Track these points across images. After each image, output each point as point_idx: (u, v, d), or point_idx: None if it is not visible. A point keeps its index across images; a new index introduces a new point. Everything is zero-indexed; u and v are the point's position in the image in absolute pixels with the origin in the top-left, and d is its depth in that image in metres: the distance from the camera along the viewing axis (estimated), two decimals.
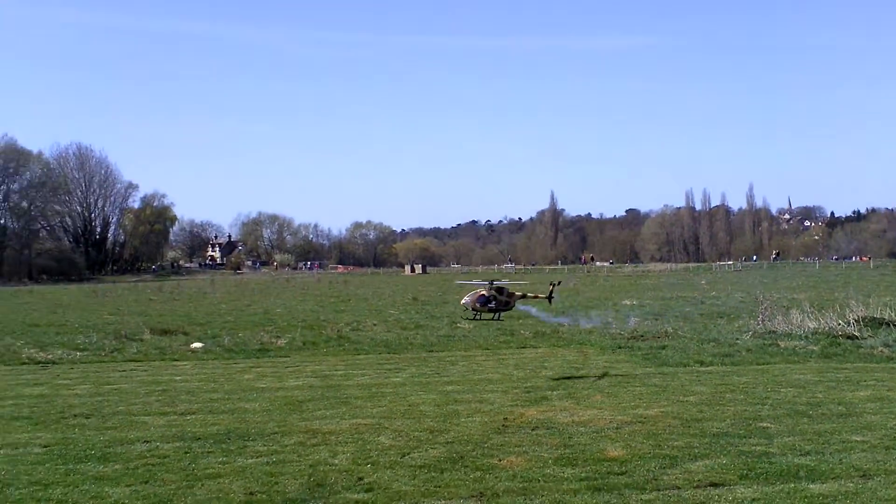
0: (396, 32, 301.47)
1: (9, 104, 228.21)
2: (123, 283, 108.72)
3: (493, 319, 19.49)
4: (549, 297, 19.44)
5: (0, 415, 15.46)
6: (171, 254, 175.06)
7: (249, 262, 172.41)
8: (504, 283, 19.48)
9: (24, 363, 23.58)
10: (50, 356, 24.54)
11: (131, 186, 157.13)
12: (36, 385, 19.33)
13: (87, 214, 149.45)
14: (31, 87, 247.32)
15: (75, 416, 15.24)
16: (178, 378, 19.95)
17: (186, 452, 12.13)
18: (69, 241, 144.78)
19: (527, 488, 10.04)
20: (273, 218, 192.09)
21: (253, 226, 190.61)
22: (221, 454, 12.00)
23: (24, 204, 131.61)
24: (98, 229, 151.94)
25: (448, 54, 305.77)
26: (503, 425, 13.69)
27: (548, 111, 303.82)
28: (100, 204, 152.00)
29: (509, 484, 10.22)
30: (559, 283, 21.06)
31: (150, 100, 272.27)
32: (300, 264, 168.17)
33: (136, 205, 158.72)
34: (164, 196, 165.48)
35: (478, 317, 19.13)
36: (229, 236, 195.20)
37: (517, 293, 19.22)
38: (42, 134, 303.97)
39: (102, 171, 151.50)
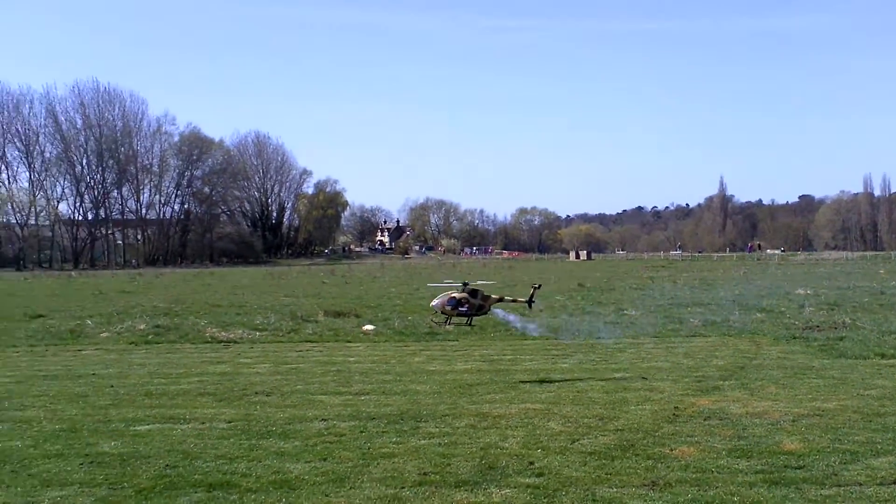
0: (562, 17, 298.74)
1: (193, 95, 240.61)
2: (298, 266, 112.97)
3: (466, 324, 18.37)
4: (530, 302, 18.24)
5: (187, 390, 16.42)
6: (342, 238, 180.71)
7: (416, 247, 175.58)
8: (479, 284, 18.44)
9: (208, 342, 24.93)
10: (231, 335, 25.85)
11: (305, 173, 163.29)
12: (219, 363, 20.42)
13: (264, 199, 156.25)
14: (213, 77, 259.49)
15: (256, 393, 16.02)
16: (352, 359, 20.62)
17: (362, 431, 12.54)
18: (247, 226, 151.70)
19: (700, 479, 9.87)
20: (440, 203, 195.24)
21: (420, 211, 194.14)
22: (395, 434, 12.34)
23: (206, 189, 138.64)
24: (274, 214, 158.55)
25: (612, 38, 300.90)
26: (674, 414, 13.47)
27: (717, 95, 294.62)
28: (276, 189, 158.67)
29: (682, 474, 10.07)
30: (540, 286, 19.19)
31: (325, 89, 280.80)
32: (466, 249, 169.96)
33: (310, 190, 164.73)
34: (336, 182, 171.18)
35: (448, 321, 17.98)
36: (398, 221, 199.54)
37: (494, 297, 18.06)
38: (223, 122, 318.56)
39: (279, 158, 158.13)
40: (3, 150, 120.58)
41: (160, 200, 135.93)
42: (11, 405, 15.12)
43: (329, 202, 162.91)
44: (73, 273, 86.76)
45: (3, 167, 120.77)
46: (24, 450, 11.69)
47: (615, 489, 9.55)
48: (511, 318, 20.25)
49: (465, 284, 17.97)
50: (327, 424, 13.07)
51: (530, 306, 18.37)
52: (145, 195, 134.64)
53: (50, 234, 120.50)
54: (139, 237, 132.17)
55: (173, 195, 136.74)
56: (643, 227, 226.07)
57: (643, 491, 9.48)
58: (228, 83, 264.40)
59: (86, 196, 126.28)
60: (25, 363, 21.14)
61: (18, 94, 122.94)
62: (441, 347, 22.84)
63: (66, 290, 53.31)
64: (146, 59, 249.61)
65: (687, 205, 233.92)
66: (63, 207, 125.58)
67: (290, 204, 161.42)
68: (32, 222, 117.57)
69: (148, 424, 13.30)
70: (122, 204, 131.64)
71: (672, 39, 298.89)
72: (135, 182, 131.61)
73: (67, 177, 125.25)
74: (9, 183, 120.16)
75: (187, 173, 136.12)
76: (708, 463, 10.53)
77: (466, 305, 17.35)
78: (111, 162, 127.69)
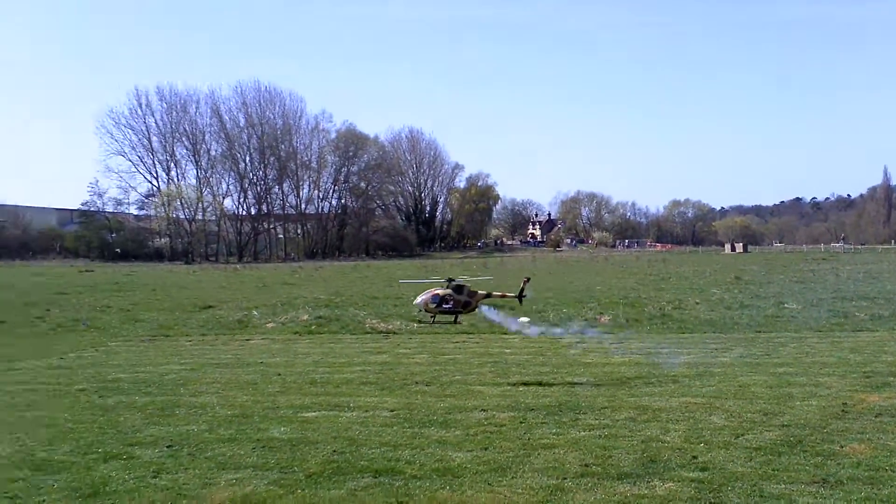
0: (702, 8, 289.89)
1: (350, 93, 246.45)
2: (450, 259, 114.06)
3: (453, 322, 17.31)
4: (520, 297, 17.13)
5: (350, 379, 16.94)
6: (493, 231, 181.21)
7: (568, 240, 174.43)
8: (463, 280, 17.32)
9: (368, 332, 25.61)
10: (390, 326, 26.47)
11: (458, 167, 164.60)
12: (379, 353, 20.96)
13: (417, 194, 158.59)
14: (364, 75, 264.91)
15: (416, 383, 16.38)
16: (508, 351, 20.75)
17: (521, 422, 12.66)
18: (401, 220, 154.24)
19: (873, 477, 9.52)
20: (591, 196, 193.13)
21: (571, 204, 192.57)
22: (555, 425, 12.40)
23: (362, 185, 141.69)
24: (427, 208, 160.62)
25: (758, 26, 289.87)
26: (843, 411, 13.00)
27: (876, 81, 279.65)
28: (429, 184, 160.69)
29: (853, 471, 9.74)
30: (529, 279, 18.37)
31: (475, 84, 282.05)
32: (618, 242, 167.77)
33: (462, 185, 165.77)
34: (487, 176, 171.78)
35: (433, 319, 16.96)
36: (549, 214, 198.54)
37: (481, 292, 17.00)
38: (378, 119, 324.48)
39: (431, 153, 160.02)
40: (173, 149, 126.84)
41: (318, 196, 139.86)
42: (186, 391, 15.99)
43: (481, 196, 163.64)
44: (237, 266, 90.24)
45: (172, 165, 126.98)
46: (200, 434, 12.32)
47: (783, 486, 9.34)
48: (496, 316, 19.31)
49: (449, 281, 17.43)
50: (487, 414, 13.25)
51: (521, 300, 17.62)
52: (304, 191, 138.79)
53: (216, 228, 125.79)
54: (299, 231, 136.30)
55: (331, 190, 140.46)
56: (801, 218, 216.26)
57: (813, 488, 9.23)
58: (382, 80, 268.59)
59: (249, 192, 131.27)
60: (198, 352, 22.31)
61: (186, 95, 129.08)
62: (597, 340, 22.68)
63: (231, 282, 55.59)
64: (301, 59, 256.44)
65: (848, 195, 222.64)
66: (228, 203, 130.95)
67: (442, 198, 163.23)
68: (200, 217, 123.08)
69: (315, 411, 13.81)
70: (282, 199, 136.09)
71: (823, 25, 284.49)
72: (294, 178, 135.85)
73: (232, 173, 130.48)
74: (178, 180, 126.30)
75: (344, 169, 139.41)
76: (881, 461, 10.15)
77: (451, 302, 16.82)
78: (272, 159, 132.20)
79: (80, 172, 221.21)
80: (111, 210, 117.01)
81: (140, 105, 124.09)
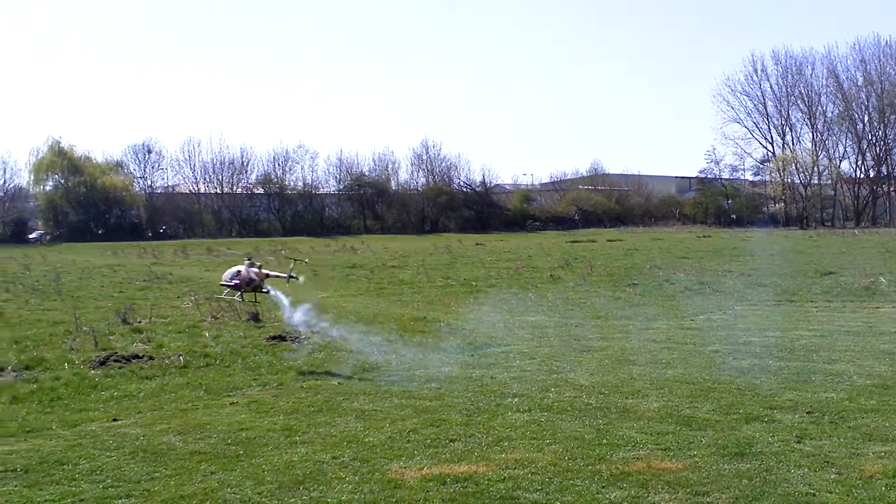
0: None
1: None
2: None
3: (253, 302, 17.79)
4: (289, 277, 15.68)
5: None
6: None
7: None
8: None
9: None
10: None
11: None
12: None
13: None
14: None
15: None
16: None
17: None
18: None
19: None
20: None
21: None
22: None
23: None
24: None
25: None
26: None
27: None
28: None
29: None
30: (303, 261, 18.60)
31: None
32: None
33: None
34: None
35: (241, 296, 16.55)
36: None
37: (265, 271, 16.07)
38: None
39: None
40: (788, 113, 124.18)
41: None
42: (819, 358, 15.53)
43: None
44: (855, 231, 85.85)
45: (787, 129, 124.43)
46: (840, 402, 11.87)
47: None
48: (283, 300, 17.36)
49: (249, 258, 17.11)
50: None
51: (289, 282, 16.26)
52: None
53: (832, 192, 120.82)
54: None
55: None
56: None
57: None
58: None
59: (867, 154, 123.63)
60: (825, 318, 21.60)
61: (801, 57, 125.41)
62: None
63: (851, 247, 53.00)
64: None
65: None
66: (844, 166, 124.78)
67: None
68: (815, 182, 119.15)
69: None
70: None
71: None
72: None
73: (848, 135, 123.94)
74: (792, 144, 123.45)
75: None
76: None
77: (239, 280, 16.42)
78: (893, 118, 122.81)
79: (697, 141, 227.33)
80: (727, 177, 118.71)
81: (755, 70, 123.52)
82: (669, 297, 27.07)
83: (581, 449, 9.69)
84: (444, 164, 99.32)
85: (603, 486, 8.44)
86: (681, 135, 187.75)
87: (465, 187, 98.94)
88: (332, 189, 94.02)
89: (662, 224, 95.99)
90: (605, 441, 10.03)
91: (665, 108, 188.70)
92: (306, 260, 23.40)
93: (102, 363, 15.34)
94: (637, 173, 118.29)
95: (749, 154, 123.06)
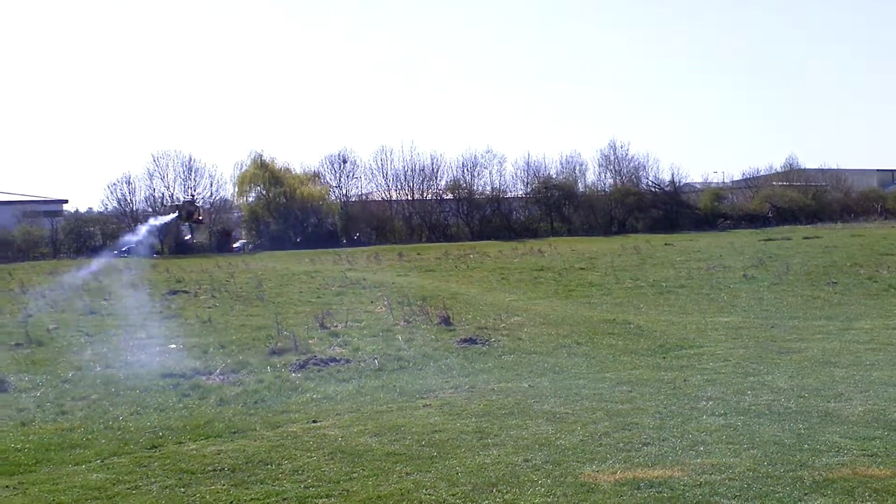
0: None
1: None
2: None
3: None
4: None
5: None
6: None
7: None
8: None
9: None
10: None
11: None
12: None
13: None
14: None
15: None
16: None
17: None
18: None
19: None
20: None
21: None
22: None
23: None
24: None
25: None
26: None
27: None
28: None
29: None
30: None
31: None
32: None
33: None
34: None
35: None
36: None
37: None
38: None
39: None
40: None
41: None
42: None
43: None
44: None
45: None
46: None
47: None
48: None
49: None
50: None
51: None
52: None
53: None
54: None
55: None
56: None
57: None
58: None
59: None
60: None
61: None
62: None
63: None
64: None
65: None
66: None
67: None
68: None
69: None
70: None
71: None
72: None
73: None
74: None
75: None
76: None
77: None
78: None
79: None
80: None
81: None
82: (873, 296, 25.60)
83: (781, 454, 9.33)
84: (631, 165, 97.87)
85: (805, 493, 8.11)
86: (883, 125, 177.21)
87: (654, 187, 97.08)
88: (520, 192, 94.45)
89: (863, 219, 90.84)
90: (806, 446, 9.62)
91: (866, 97, 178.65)
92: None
93: (302, 366, 16.03)
94: (835, 167, 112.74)
95: None
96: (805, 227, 79.47)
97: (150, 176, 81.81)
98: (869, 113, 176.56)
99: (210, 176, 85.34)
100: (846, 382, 13.12)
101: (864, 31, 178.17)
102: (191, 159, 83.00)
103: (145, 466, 10.02)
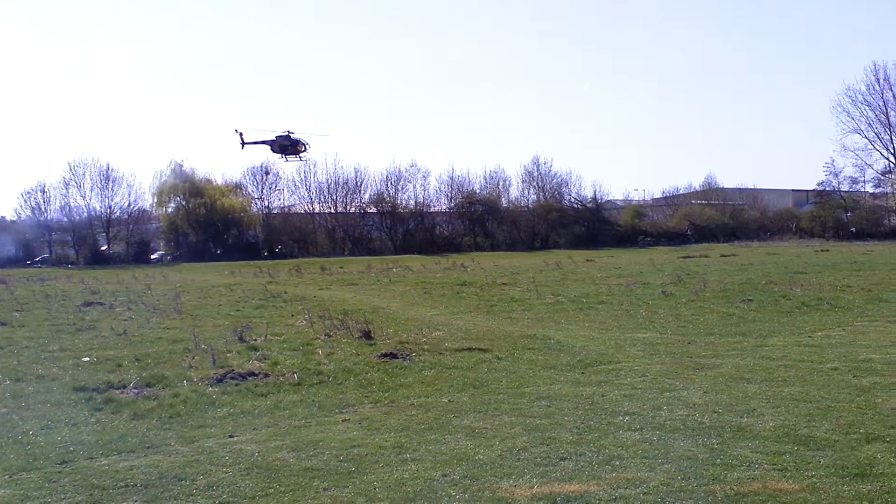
0: None
1: None
2: None
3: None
4: None
5: None
6: None
7: None
8: None
9: None
10: None
11: None
12: None
13: None
14: None
15: None
16: None
17: None
18: None
19: None
20: None
21: None
22: None
23: None
24: None
25: None
26: None
27: None
28: None
29: None
30: None
31: None
32: None
33: None
34: None
35: None
36: None
37: None
38: None
39: None
40: None
41: None
42: None
43: None
44: None
45: None
46: None
47: None
48: None
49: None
50: None
51: None
52: None
53: None
54: None
55: None
56: None
57: None
58: None
59: None
60: None
61: None
62: None
63: None
64: None
65: None
66: None
67: None
68: None
69: None
70: None
71: None
72: None
73: None
74: None
75: None
76: None
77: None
78: None
79: (814, 153, 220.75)
80: (846, 189, 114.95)
81: (878, 80, 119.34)
82: (786, 313, 26.32)
83: (694, 469, 9.50)
84: (555, 181, 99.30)
85: None
86: (797, 147, 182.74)
87: (576, 203, 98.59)
88: (444, 207, 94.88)
89: (778, 238, 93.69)
90: (718, 461, 9.81)
91: (781, 120, 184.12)
92: None
93: (220, 380, 15.79)
94: (752, 187, 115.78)
95: (870, 165, 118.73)
96: (723, 245, 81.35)
97: (66, 184, 79.92)
98: (785, 134, 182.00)
99: (128, 185, 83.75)
100: (758, 398, 13.41)
101: (786, 55, 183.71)
102: (108, 168, 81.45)
103: (55, 482, 9.74)
